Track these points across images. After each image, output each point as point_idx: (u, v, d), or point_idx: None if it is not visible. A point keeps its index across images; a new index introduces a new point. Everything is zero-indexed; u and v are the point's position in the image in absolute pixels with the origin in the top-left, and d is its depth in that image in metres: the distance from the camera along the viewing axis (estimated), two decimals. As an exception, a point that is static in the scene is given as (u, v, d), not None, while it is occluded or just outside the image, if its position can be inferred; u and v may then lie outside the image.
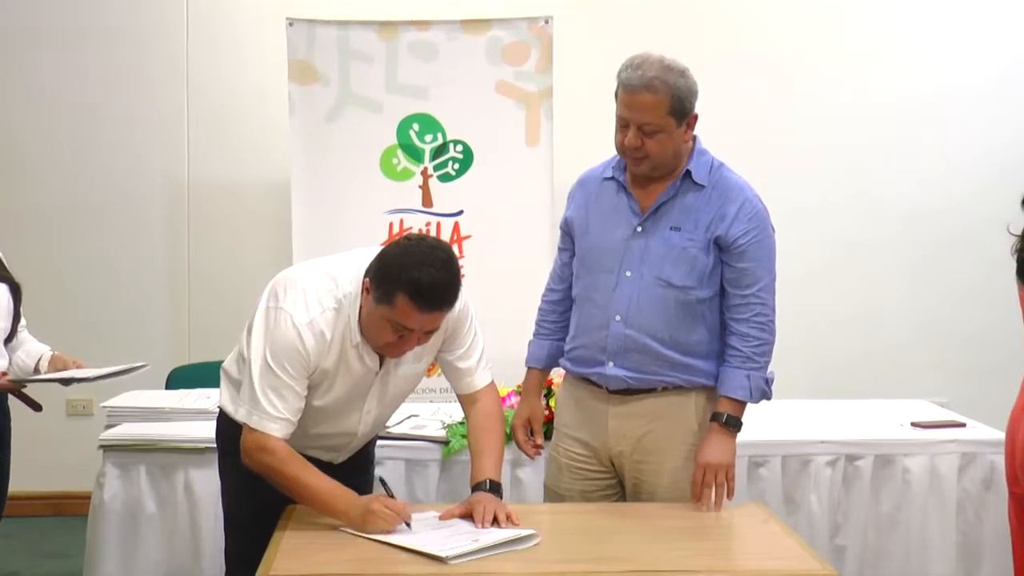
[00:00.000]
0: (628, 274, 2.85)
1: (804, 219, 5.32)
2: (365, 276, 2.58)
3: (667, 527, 2.73)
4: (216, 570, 3.40)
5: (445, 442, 3.54)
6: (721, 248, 2.82)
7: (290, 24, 4.70)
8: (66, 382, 3.16)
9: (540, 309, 3.14)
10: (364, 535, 2.48)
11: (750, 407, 2.90)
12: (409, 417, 3.67)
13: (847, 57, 5.46)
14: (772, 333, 2.86)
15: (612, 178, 2.92)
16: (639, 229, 2.85)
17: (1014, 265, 2.98)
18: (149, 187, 5.44)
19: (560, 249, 3.09)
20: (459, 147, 4.71)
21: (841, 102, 5.44)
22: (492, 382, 2.86)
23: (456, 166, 4.71)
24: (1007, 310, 5.47)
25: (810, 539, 3.32)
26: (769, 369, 2.88)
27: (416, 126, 4.69)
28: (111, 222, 5.41)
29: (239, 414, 2.63)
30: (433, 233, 4.65)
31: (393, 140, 4.69)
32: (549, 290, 3.13)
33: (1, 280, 3.17)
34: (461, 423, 3.59)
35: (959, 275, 5.51)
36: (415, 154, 4.71)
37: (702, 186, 2.83)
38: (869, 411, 4.04)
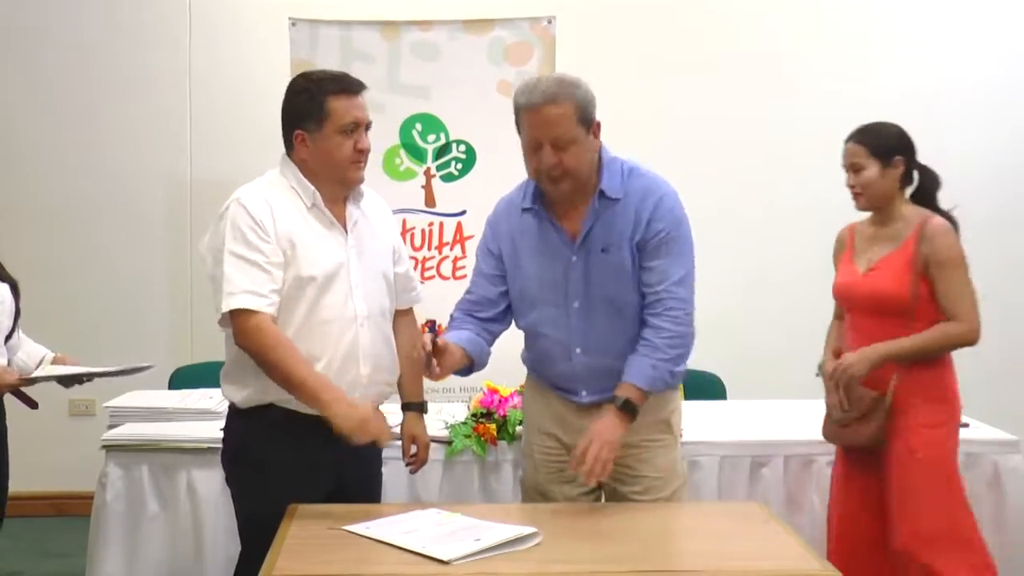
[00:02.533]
0: (576, 305, 2.84)
1: (806, 218, 5.31)
2: (293, 132, 2.79)
3: (668, 527, 2.73)
4: (219, 570, 3.40)
5: (448, 442, 3.54)
6: (640, 250, 2.80)
7: (292, 24, 4.70)
8: (70, 381, 3.15)
9: (455, 314, 3.00)
10: (364, 535, 2.49)
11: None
12: (411, 417, 3.67)
13: (847, 56, 5.47)
14: (687, 326, 2.81)
15: (531, 209, 2.88)
16: (574, 259, 2.83)
17: None
18: (151, 186, 5.45)
19: (481, 271, 3.00)
20: (462, 147, 4.71)
21: (840, 101, 5.42)
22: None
23: (459, 166, 4.71)
24: (1009, 310, 5.51)
25: (812, 539, 3.32)
26: (685, 364, 2.83)
27: (419, 126, 4.69)
28: (113, 221, 5.43)
29: (219, 309, 2.70)
30: (436, 233, 4.68)
31: (396, 140, 4.69)
32: (469, 302, 2.99)
33: (1, 279, 3.17)
34: (464, 423, 3.60)
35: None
36: (418, 154, 4.71)
37: (617, 199, 2.80)
38: (872, 411, 4.03)
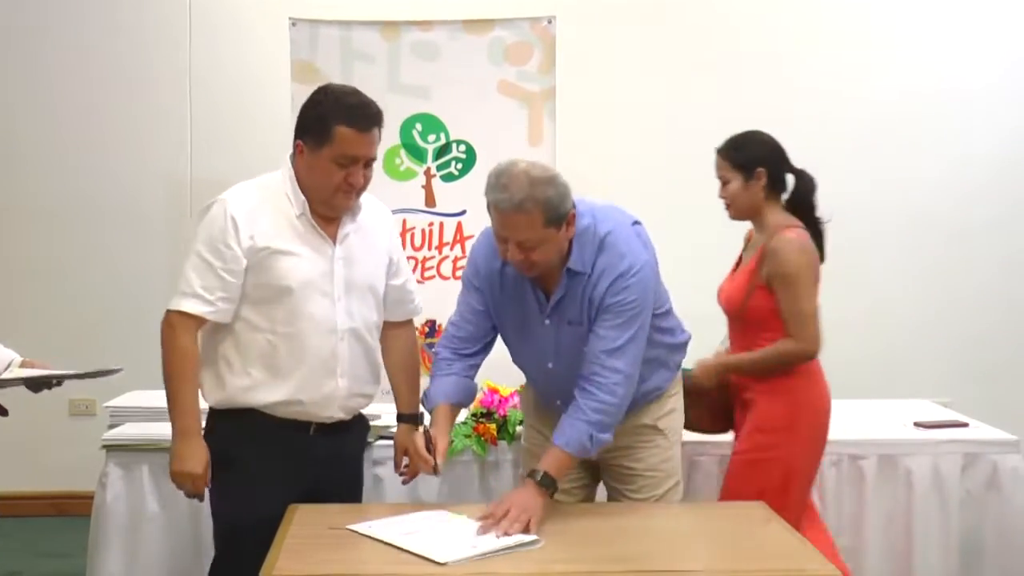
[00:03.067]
0: (550, 365, 2.86)
1: (807, 219, 5.31)
2: (296, 140, 2.75)
3: (668, 527, 2.73)
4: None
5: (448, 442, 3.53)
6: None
7: (293, 24, 4.70)
8: (38, 385, 3.09)
9: (441, 352, 2.95)
10: (366, 535, 2.49)
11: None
12: (411, 417, 3.66)
13: (848, 56, 5.46)
14: (617, 396, 2.72)
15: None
16: (547, 323, 2.83)
17: None
18: (151, 186, 5.45)
19: (469, 305, 2.94)
20: (462, 147, 4.71)
21: (842, 101, 5.43)
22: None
23: (459, 166, 4.71)
24: (1010, 310, 5.52)
25: (812, 539, 3.32)
26: (609, 433, 2.74)
27: (419, 126, 4.69)
28: (113, 221, 5.42)
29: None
30: (436, 233, 4.68)
31: (396, 140, 4.69)
32: (456, 338, 2.94)
33: None
34: (464, 423, 3.60)
35: (961, 275, 5.51)
36: (418, 154, 4.71)
37: (585, 273, 2.76)
38: (872, 411, 4.04)
